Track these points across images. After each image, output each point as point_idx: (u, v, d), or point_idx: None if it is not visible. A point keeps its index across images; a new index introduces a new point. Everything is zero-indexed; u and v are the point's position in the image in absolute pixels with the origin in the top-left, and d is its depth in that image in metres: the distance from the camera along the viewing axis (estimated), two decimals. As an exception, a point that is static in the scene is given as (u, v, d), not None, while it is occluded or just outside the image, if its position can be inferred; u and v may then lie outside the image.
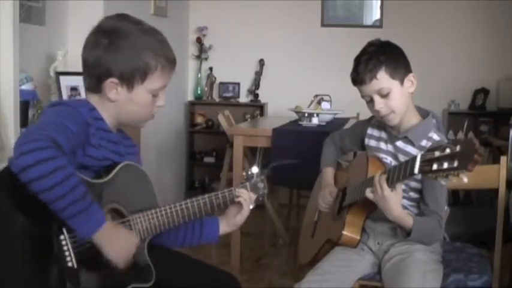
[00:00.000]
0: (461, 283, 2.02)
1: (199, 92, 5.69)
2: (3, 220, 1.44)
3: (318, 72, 5.51)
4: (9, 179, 1.40)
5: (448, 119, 5.29)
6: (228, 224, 1.84)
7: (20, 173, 1.36)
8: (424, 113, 2.05)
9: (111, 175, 1.58)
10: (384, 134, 2.11)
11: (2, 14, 2.66)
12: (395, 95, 1.96)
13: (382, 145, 2.10)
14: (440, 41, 5.41)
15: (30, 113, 3.02)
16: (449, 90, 5.39)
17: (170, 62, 1.65)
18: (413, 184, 2.00)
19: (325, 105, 4.31)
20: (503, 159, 2.23)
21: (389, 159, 2.06)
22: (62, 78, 3.28)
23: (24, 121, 2.89)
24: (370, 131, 2.17)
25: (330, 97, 4.45)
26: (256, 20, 5.61)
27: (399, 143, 2.04)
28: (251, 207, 1.79)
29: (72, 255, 1.48)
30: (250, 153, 4.21)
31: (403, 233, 1.94)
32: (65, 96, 3.24)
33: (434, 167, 1.54)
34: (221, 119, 4.52)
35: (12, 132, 2.71)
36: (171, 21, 5.13)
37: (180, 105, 5.58)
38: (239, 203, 1.77)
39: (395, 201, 1.83)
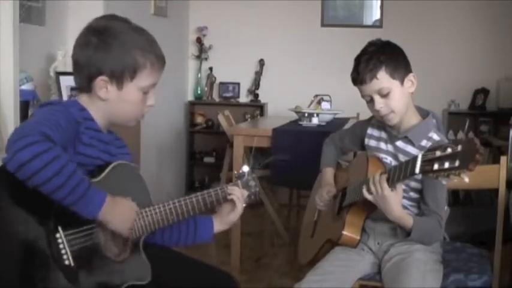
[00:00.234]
0: (461, 283, 2.02)
1: (199, 92, 5.69)
2: None
3: (318, 72, 5.51)
4: (5, 178, 1.41)
5: (448, 119, 5.29)
6: (222, 222, 1.85)
7: (18, 170, 1.37)
8: (424, 113, 2.05)
9: (103, 174, 1.59)
10: (383, 134, 2.11)
11: (2, 14, 2.66)
12: (396, 95, 1.96)
13: (382, 145, 2.10)
14: (440, 41, 5.41)
15: (30, 113, 3.01)
16: (449, 90, 5.39)
17: (159, 60, 1.66)
18: (413, 184, 2.00)
19: (325, 105, 4.31)
20: (503, 159, 2.23)
21: (389, 159, 2.06)
22: (62, 78, 3.28)
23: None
24: (370, 131, 2.17)
25: (330, 97, 4.44)
26: (256, 20, 5.61)
27: (399, 143, 2.04)
28: (244, 205, 1.80)
29: (69, 253, 1.49)
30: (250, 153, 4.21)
31: (403, 233, 1.94)
32: (65, 96, 3.24)
33: (436, 166, 1.55)
34: (221, 119, 4.51)
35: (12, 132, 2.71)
36: (171, 21, 5.13)
37: (180, 105, 5.58)
38: (232, 201, 1.78)
39: (396, 201, 1.84)
